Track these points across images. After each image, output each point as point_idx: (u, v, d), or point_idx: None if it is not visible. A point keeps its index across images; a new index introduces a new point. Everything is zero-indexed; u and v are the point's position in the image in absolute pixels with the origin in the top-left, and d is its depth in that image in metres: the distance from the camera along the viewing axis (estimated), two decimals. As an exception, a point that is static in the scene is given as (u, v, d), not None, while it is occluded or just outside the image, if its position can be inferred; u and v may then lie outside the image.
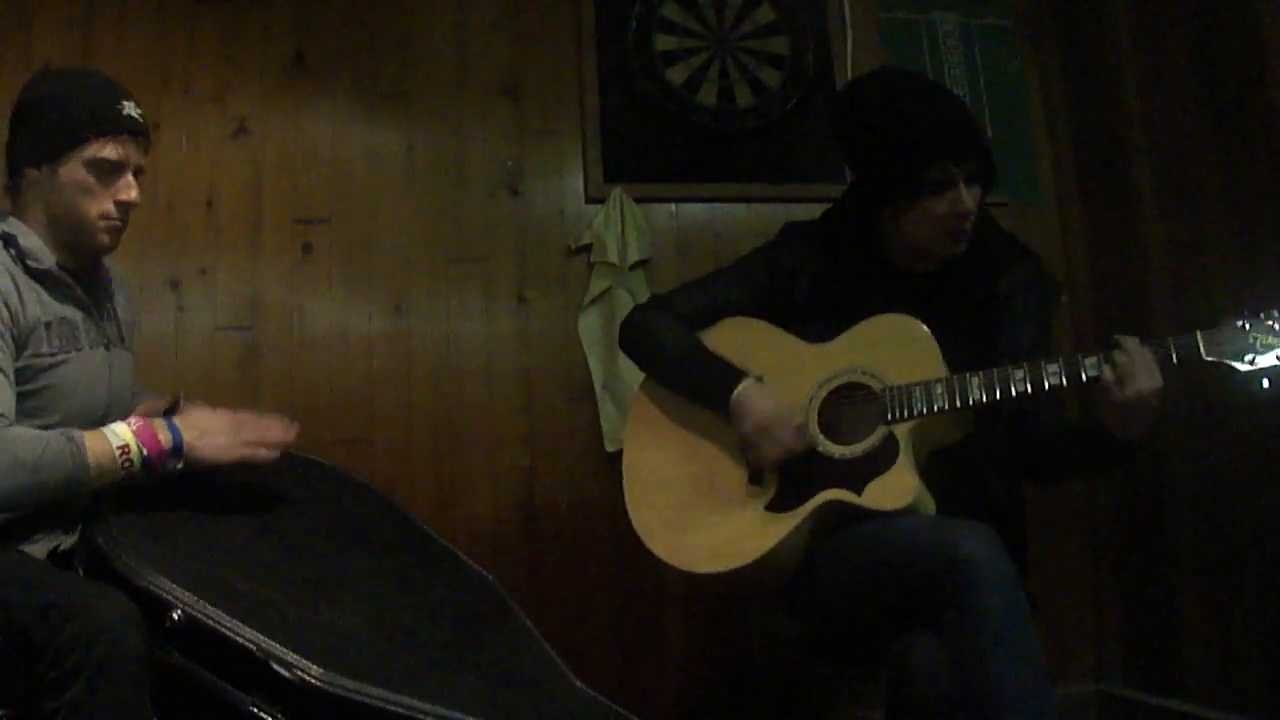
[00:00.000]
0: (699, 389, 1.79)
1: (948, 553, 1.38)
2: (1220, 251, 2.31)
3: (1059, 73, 2.90)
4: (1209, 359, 1.42)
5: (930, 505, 1.56)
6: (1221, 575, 2.31)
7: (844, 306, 1.74)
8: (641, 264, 2.59)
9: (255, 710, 1.17)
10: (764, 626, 2.53)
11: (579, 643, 2.34)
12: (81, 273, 1.60)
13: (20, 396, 1.45)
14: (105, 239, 1.57)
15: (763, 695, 2.54)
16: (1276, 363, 1.38)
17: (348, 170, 2.57)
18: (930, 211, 1.65)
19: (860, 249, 1.77)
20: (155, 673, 1.21)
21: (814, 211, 1.90)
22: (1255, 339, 1.39)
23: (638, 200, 2.62)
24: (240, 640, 1.18)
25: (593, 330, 2.56)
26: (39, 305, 1.50)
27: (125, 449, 1.37)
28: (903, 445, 1.58)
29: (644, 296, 2.47)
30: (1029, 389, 1.52)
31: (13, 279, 1.47)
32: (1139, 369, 1.44)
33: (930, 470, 1.60)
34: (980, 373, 1.55)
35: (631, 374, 2.24)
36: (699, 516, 1.73)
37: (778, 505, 1.66)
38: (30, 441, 1.33)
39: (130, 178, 1.57)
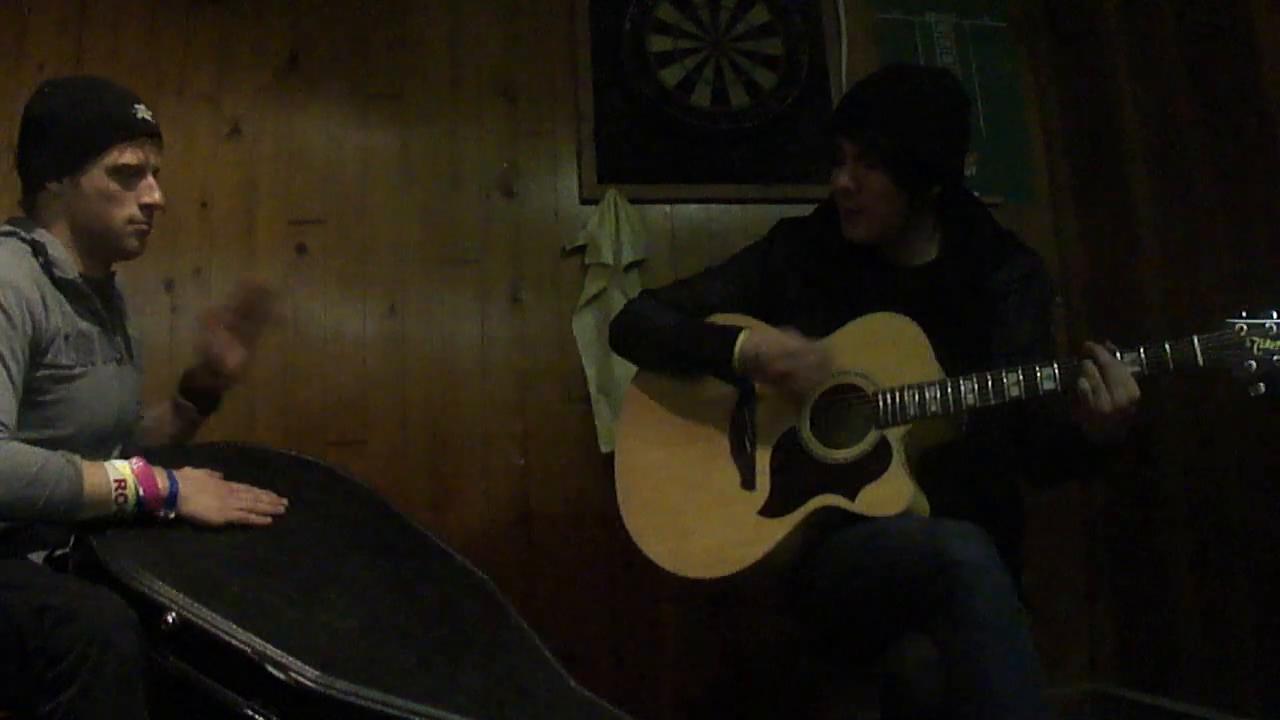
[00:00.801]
0: (699, 358, 1.76)
1: (938, 556, 1.38)
2: (1215, 251, 2.32)
3: (1053, 73, 2.90)
4: (1205, 365, 1.40)
5: (924, 507, 1.56)
6: (1216, 575, 2.31)
7: (836, 303, 1.73)
8: (636, 265, 2.60)
9: (251, 713, 1.17)
10: (760, 628, 2.53)
11: (575, 643, 2.34)
12: (99, 286, 1.61)
13: (34, 407, 1.46)
14: (134, 243, 1.59)
15: (759, 696, 2.54)
16: (1272, 366, 1.37)
17: (342, 171, 2.56)
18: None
19: (851, 244, 1.77)
20: (150, 675, 1.20)
21: (808, 212, 1.89)
22: (1251, 342, 1.37)
23: (632, 201, 2.62)
24: (235, 643, 1.18)
25: (587, 331, 2.56)
26: (61, 316, 1.51)
27: (122, 484, 1.37)
28: (895, 449, 1.57)
29: (638, 298, 2.47)
30: (1022, 394, 1.51)
31: (39, 288, 1.47)
32: (1113, 382, 1.43)
33: (924, 469, 1.60)
34: (973, 376, 1.55)
35: (626, 375, 2.23)
36: (692, 520, 1.72)
37: (770, 510, 1.65)
38: (27, 455, 1.34)
39: (152, 179, 1.59)
